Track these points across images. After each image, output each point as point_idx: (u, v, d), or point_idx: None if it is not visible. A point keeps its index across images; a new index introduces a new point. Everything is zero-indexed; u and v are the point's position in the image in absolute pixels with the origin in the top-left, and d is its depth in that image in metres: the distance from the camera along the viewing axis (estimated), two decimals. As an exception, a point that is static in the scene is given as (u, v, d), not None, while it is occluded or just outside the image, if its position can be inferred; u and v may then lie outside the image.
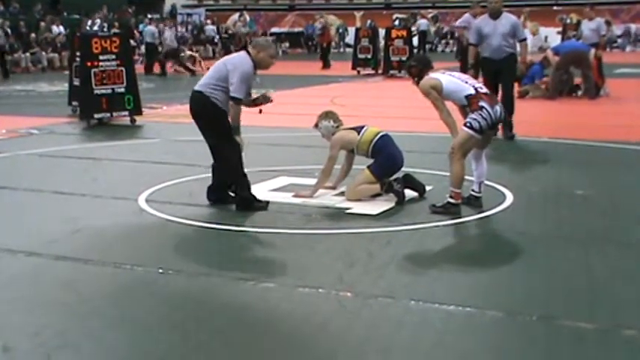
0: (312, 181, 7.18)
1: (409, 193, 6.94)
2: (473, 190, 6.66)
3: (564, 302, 4.53)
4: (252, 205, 6.66)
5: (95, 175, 8.38)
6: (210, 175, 6.95)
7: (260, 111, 7.02)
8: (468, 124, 6.37)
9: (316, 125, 7.32)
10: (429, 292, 4.66)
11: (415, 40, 27.64)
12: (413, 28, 27.06)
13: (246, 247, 5.80)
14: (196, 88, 6.72)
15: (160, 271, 5.10)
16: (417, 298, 4.53)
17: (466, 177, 6.65)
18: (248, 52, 6.67)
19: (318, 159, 7.50)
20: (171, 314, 4.43)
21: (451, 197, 6.42)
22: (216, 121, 6.62)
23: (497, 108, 6.43)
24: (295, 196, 7.02)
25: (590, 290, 4.72)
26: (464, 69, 16.82)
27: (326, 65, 26.49)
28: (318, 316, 4.33)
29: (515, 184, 7.41)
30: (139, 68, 19.82)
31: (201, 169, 7.91)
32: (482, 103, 6.34)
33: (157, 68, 24.32)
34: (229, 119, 6.58)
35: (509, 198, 6.93)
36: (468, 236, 6.12)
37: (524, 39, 10.84)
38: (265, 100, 6.94)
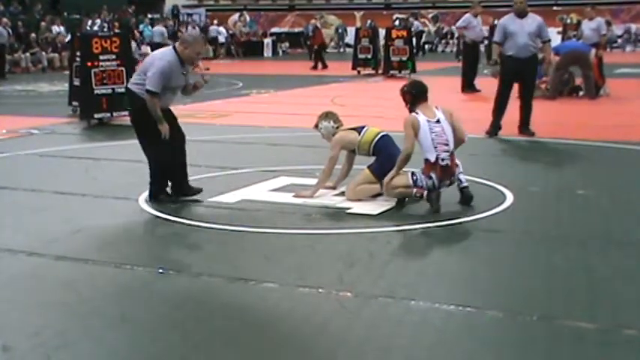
0: (313, 181, 7.17)
1: (409, 193, 6.93)
2: (458, 185, 6.66)
3: (564, 302, 4.52)
4: (158, 197, 6.88)
5: (95, 175, 8.38)
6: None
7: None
8: (415, 178, 6.51)
9: (316, 126, 7.32)
10: (429, 292, 4.66)
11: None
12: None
13: (246, 247, 5.79)
14: (127, 84, 6.89)
15: (160, 271, 5.09)
16: (417, 298, 4.54)
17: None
18: (175, 48, 6.74)
19: (318, 159, 7.51)
20: (171, 314, 4.43)
21: (420, 195, 6.46)
22: (143, 115, 6.67)
23: (446, 182, 6.55)
24: (296, 196, 7.01)
25: (590, 290, 4.72)
26: (465, 69, 16.92)
27: (323, 66, 26.24)
28: (318, 316, 4.32)
29: (516, 184, 7.41)
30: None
31: (201, 168, 7.92)
32: (432, 174, 6.48)
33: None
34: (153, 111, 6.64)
35: (510, 198, 6.93)
36: (468, 236, 6.11)
37: (549, 40, 10.76)
38: (200, 83, 7.03)
